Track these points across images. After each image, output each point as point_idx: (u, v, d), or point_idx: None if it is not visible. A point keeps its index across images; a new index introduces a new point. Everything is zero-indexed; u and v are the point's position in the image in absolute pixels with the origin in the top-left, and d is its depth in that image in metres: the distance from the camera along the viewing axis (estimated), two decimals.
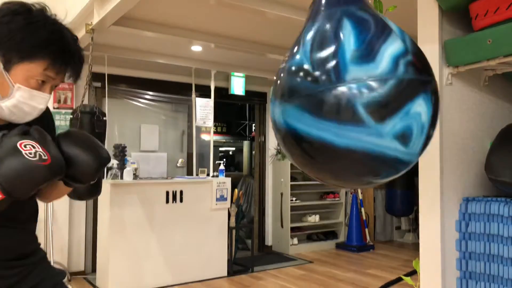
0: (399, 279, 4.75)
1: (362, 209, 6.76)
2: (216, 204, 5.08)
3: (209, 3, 3.47)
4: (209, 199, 5.05)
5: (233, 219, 5.35)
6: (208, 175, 5.39)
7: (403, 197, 6.44)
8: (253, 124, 8.10)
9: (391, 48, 1.04)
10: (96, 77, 4.50)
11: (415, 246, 6.48)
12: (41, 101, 1.14)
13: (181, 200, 4.84)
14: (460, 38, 2.08)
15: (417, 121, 1.04)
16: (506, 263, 1.95)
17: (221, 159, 6.25)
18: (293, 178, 6.49)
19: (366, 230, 6.74)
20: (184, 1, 3.52)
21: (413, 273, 2.33)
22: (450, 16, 2.16)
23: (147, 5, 3.51)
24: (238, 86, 6.19)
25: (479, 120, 2.30)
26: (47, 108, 1.27)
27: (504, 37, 1.84)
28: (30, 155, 1.01)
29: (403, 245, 6.95)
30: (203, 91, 5.76)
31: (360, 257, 6.19)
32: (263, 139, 6.83)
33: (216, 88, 5.66)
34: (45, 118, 1.26)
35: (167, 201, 4.75)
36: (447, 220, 2.14)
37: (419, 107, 1.03)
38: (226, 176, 5.30)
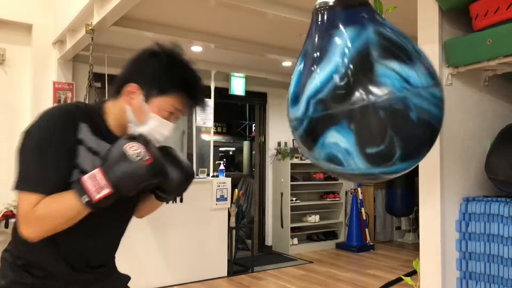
0: (399, 279, 4.75)
1: (362, 209, 6.77)
2: (216, 204, 5.08)
3: (209, 4, 3.48)
4: (209, 199, 5.05)
5: (233, 219, 5.35)
6: (208, 175, 5.40)
7: (403, 197, 6.45)
8: (253, 124, 8.10)
9: (308, 90, 1.17)
10: (96, 77, 4.50)
11: (415, 246, 6.49)
12: (168, 129, 1.33)
13: (181, 200, 4.84)
14: (460, 38, 2.08)
15: (336, 148, 1.15)
16: (506, 263, 1.95)
17: (221, 159, 6.25)
18: (293, 178, 6.50)
19: (366, 230, 6.75)
20: (184, 1, 3.52)
21: (413, 273, 2.33)
22: (450, 16, 2.16)
23: (147, 5, 3.51)
24: (238, 86, 6.19)
25: (479, 120, 2.30)
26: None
27: (504, 38, 1.84)
28: (134, 155, 1.17)
29: (403, 245, 6.95)
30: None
31: (360, 257, 6.19)
32: (263, 139, 6.83)
33: (216, 88, 5.66)
34: None
35: (167, 201, 4.75)
36: (447, 220, 2.14)
37: (332, 138, 1.14)
38: (226, 176, 5.31)
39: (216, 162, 5.52)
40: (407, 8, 2.46)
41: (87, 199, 1.13)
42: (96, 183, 1.14)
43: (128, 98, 1.29)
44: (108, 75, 4.99)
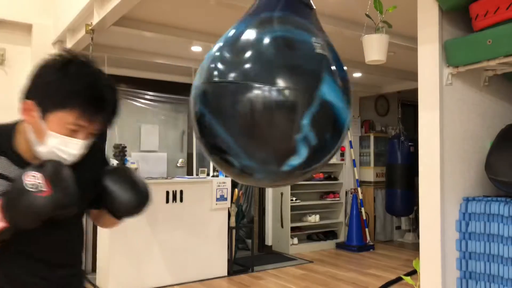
0: (399, 279, 4.75)
1: (362, 209, 6.77)
2: (216, 204, 5.08)
3: (209, 3, 3.47)
4: (209, 199, 5.05)
5: (233, 219, 5.35)
6: (208, 175, 5.40)
7: (403, 197, 6.45)
8: None
9: None
10: None
11: (415, 246, 6.49)
12: (75, 147, 1.18)
13: (181, 200, 4.84)
14: (460, 39, 2.09)
15: None
16: (506, 263, 1.96)
17: None
18: None
19: (366, 230, 6.75)
20: (184, 1, 3.52)
21: (413, 272, 2.33)
22: (450, 16, 2.17)
23: (147, 5, 3.51)
24: None
25: (479, 120, 2.31)
26: (98, 145, 1.38)
27: (504, 38, 1.84)
28: (29, 186, 1.06)
29: (403, 245, 6.95)
30: None
31: (360, 257, 6.19)
32: None
33: None
34: (97, 154, 1.37)
35: (167, 201, 4.75)
36: (447, 220, 2.14)
37: None
38: (225, 176, 5.31)
39: None
40: (407, 8, 2.46)
41: None
42: None
43: (27, 116, 1.18)
44: (108, 75, 4.98)
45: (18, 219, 1.08)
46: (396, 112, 6.86)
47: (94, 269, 5.05)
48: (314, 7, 1.36)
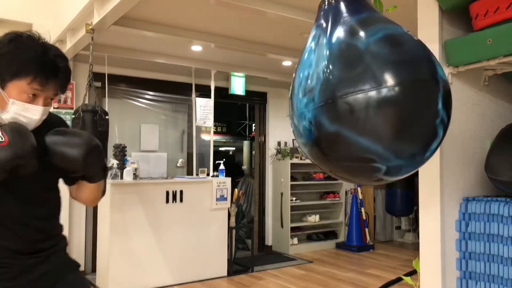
0: (399, 279, 4.75)
1: (362, 209, 6.76)
2: (216, 204, 5.08)
3: (209, 3, 3.47)
4: (209, 199, 5.05)
5: (233, 219, 5.35)
6: (208, 175, 5.39)
7: (403, 197, 6.45)
8: (253, 124, 8.10)
9: None
10: (96, 77, 4.50)
11: (415, 246, 6.49)
12: (35, 112, 1.32)
13: (181, 200, 4.84)
14: (460, 38, 2.08)
15: None
16: (506, 263, 1.95)
17: (221, 159, 6.25)
18: (293, 178, 6.50)
19: (366, 230, 6.74)
20: (184, 1, 3.52)
21: (413, 273, 2.33)
22: (450, 16, 2.16)
23: (147, 5, 3.51)
24: (238, 86, 6.19)
25: (479, 120, 2.30)
26: (60, 118, 1.54)
27: (504, 37, 1.84)
28: None
29: (403, 245, 6.95)
30: (203, 91, 5.76)
31: (360, 257, 6.19)
32: (263, 139, 6.83)
33: (216, 88, 5.66)
34: (59, 125, 1.48)
35: (167, 201, 4.75)
36: (447, 220, 2.14)
37: None
38: (226, 176, 5.31)
39: (216, 162, 5.52)
40: (407, 7, 2.46)
41: None
42: None
43: None
44: (108, 74, 4.99)
45: None
46: None
47: (94, 269, 5.05)
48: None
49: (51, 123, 1.45)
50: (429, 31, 2.16)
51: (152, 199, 4.66)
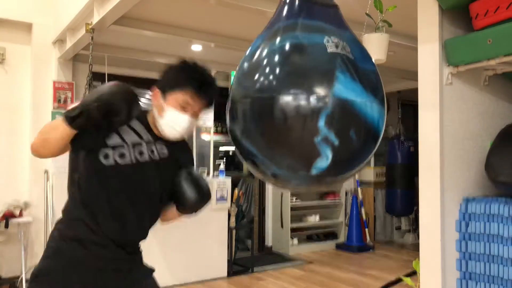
0: (399, 280, 4.74)
1: (362, 209, 6.76)
2: (216, 204, 5.07)
3: (209, 3, 3.47)
4: None
5: (233, 219, 5.34)
6: (208, 175, 5.39)
7: (403, 197, 6.44)
8: None
9: None
10: (96, 76, 4.51)
11: (415, 246, 6.47)
12: (184, 120, 1.60)
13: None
14: (460, 38, 2.08)
15: None
16: (506, 263, 1.95)
17: (221, 158, 6.24)
18: None
19: (366, 230, 6.73)
20: (184, 0, 3.51)
21: (413, 273, 2.32)
22: (450, 15, 2.16)
23: (147, 4, 3.51)
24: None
25: (479, 120, 2.30)
26: (188, 147, 1.84)
27: (504, 37, 1.84)
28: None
29: (403, 245, 6.94)
30: None
31: (360, 257, 6.18)
32: None
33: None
34: (188, 151, 1.84)
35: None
36: (447, 220, 2.14)
37: None
38: (226, 176, 5.30)
39: (216, 162, 5.52)
40: (408, 7, 2.45)
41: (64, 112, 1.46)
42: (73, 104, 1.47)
43: (153, 99, 1.65)
44: (108, 74, 4.98)
45: (89, 102, 1.44)
46: (396, 112, 6.84)
47: None
48: (335, 4, 1.36)
49: (183, 144, 1.78)
50: (429, 30, 2.15)
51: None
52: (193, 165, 1.86)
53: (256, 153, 1.23)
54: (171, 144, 1.68)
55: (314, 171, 1.19)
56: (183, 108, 1.59)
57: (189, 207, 1.74)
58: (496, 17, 1.90)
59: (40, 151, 1.51)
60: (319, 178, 1.22)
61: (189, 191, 1.67)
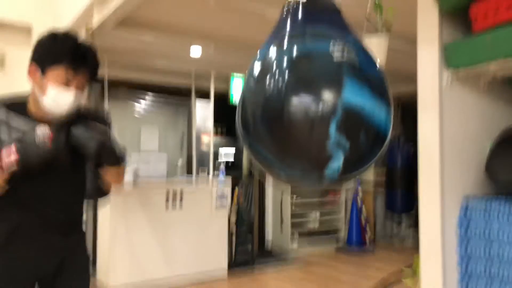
0: (399, 280, 4.76)
1: (362, 210, 6.77)
2: (216, 205, 5.08)
3: (209, 5, 3.48)
4: (209, 200, 5.06)
5: (233, 219, 5.35)
6: (208, 175, 5.40)
7: (403, 198, 6.46)
8: None
9: None
10: None
11: (415, 247, 6.49)
12: (70, 94, 1.57)
13: (181, 201, 4.85)
14: (460, 41, 2.09)
15: None
16: (507, 263, 1.96)
17: (221, 160, 6.26)
18: None
19: (366, 230, 6.75)
20: (184, 3, 3.53)
21: (413, 273, 2.34)
22: (450, 18, 2.17)
23: (147, 8, 3.52)
24: (238, 87, 6.20)
25: (479, 122, 2.32)
26: (100, 115, 1.86)
27: (504, 40, 1.85)
28: (39, 141, 1.53)
29: (403, 245, 6.96)
30: (203, 93, 5.77)
31: (360, 257, 6.20)
32: None
33: (216, 90, 5.66)
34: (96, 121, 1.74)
35: (167, 202, 4.76)
36: (447, 220, 2.15)
37: None
38: (226, 176, 5.31)
39: (216, 162, 5.53)
40: (407, 10, 2.47)
41: None
42: (8, 152, 1.49)
43: (32, 77, 1.61)
44: (108, 77, 4.99)
45: (27, 159, 1.49)
46: (396, 114, 6.86)
47: (94, 264, 5.05)
48: (338, 9, 1.39)
49: (88, 118, 1.70)
50: (429, 33, 2.17)
51: (152, 200, 4.67)
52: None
53: (268, 156, 1.27)
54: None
55: (329, 172, 1.25)
56: (65, 83, 1.57)
57: (97, 154, 1.63)
58: (496, 19, 1.91)
59: None
60: (331, 178, 1.28)
61: (84, 144, 1.60)
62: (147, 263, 4.58)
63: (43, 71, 1.57)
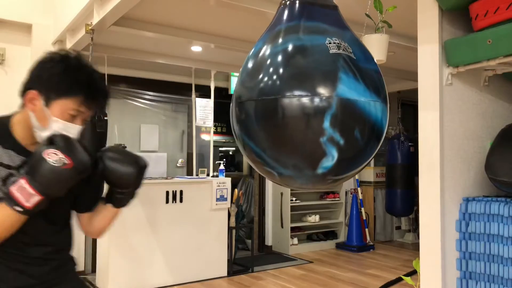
0: (399, 279, 4.75)
1: (362, 209, 6.76)
2: (216, 204, 5.08)
3: (209, 3, 3.47)
4: (209, 199, 5.05)
5: (233, 219, 5.34)
6: (208, 175, 5.39)
7: (403, 197, 6.44)
8: None
9: None
10: None
11: (415, 246, 6.49)
12: (74, 131, 1.36)
13: (181, 200, 4.84)
14: (460, 38, 2.08)
15: None
16: (506, 263, 1.95)
17: (221, 159, 6.25)
18: None
19: (366, 230, 6.74)
20: (184, 1, 3.52)
21: (413, 273, 2.33)
22: (450, 16, 2.17)
23: (147, 5, 3.51)
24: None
25: (479, 120, 2.31)
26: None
27: (504, 37, 1.84)
28: (54, 162, 1.23)
29: (403, 245, 6.95)
30: (203, 91, 5.76)
31: (360, 257, 6.19)
32: None
33: (216, 88, 5.66)
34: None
35: (167, 201, 4.75)
36: (447, 220, 2.14)
37: None
38: (226, 176, 5.30)
39: (216, 162, 5.52)
40: (407, 8, 2.46)
41: (19, 209, 1.23)
42: (25, 193, 1.23)
43: (30, 105, 1.35)
44: (108, 75, 4.99)
45: (51, 190, 1.25)
46: (396, 112, 6.85)
47: (93, 270, 5.04)
48: (335, 5, 1.37)
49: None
50: (429, 31, 2.16)
51: (152, 199, 4.66)
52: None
53: (261, 153, 1.24)
54: None
55: (320, 171, 1.21)
56: (73, 116, 1.35)
57: (129, 184, 1.51)
58: (496, 17, 1.90)
59: None
60: (325, 177, 1.24)
61: (119, 167, 1.42)
62: (147, 263, 4.57)
63: (48, 102, 1.32)
